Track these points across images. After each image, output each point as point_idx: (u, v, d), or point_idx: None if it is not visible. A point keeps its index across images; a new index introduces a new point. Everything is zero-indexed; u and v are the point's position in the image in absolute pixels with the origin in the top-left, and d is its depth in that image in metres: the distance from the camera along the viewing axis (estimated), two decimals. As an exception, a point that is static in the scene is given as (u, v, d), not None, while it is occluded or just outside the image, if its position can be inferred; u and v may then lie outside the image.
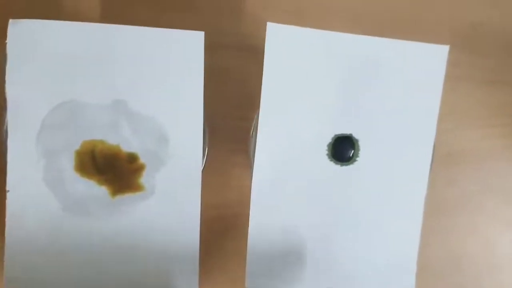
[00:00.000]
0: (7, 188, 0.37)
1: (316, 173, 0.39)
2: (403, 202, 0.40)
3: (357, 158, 0.40)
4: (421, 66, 0.39)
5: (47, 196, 0.37)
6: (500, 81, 0.50)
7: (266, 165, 0.39)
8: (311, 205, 0.40)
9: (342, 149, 0.39)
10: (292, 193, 0.39)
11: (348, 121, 0.39)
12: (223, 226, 0.45)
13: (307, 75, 0.38)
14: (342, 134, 0.39)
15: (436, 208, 0.52)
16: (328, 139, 0.39)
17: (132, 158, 0.38)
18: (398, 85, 0.39)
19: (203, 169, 0.39)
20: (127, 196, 0.38)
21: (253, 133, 0.39)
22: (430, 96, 0.39)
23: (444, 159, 0.51)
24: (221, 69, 0.44)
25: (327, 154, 0.39)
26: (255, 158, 0.38)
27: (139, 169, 0.38)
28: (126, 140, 0.38)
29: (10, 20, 0.36)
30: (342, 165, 0.40)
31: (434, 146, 0.40)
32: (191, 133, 0.38)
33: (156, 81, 0.38)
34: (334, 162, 0.39)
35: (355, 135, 0.39)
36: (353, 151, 0.40)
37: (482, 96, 0.50)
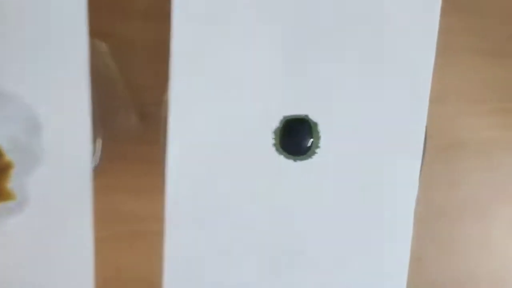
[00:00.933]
0: None
1: (259, 172, 0.28)
2: (387, 211, 0.29)
3: (317, 150, 0.28)
4: (406, 14, 0.27)
5: None
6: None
7: (184, 166, 0.27)
8: (253, 220, 0.28)
9: (296, 136, 0.28)
10: (224, 204, 0.28)
11: (302, 96, 0.28)
12: (127, 250, 0.34)
13: (234, 35, 0.27)
14: (294, 115, 0.28)
15: (435, 217, 0.43)
16: (275, 122, 0.28)
17: (-8, 154, 0.27)
18: (373, 41, 0.27)
19: (95, 169, 0.27)
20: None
21: (163, 121, 0.28)
22: (419, 58, 0.28)
23: (443, 153, 0.41)
24: (122, 40, 0.34)
25: (274, 145, 0.28)
26: (167, 156, 0.27)
27: (5, 168, 0.27)
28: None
29: None
30: (296, 159, 0.28)
31: (426, 133, 0.29)
32: (75, 120, 0.27)
33: (25, 49, 0.26)
34: (284, 155, 0.28)
35: (313, 117, 0.28)
36: (311, 139, 0.28)
37: (488, 73, 0.40)
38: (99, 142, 0.28)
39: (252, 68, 0.27)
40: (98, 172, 0.28)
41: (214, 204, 0.28)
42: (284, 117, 0.28)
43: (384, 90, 0.28)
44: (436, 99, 0.41)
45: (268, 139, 0.28)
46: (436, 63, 0.36)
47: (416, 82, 0.28)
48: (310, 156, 0.28)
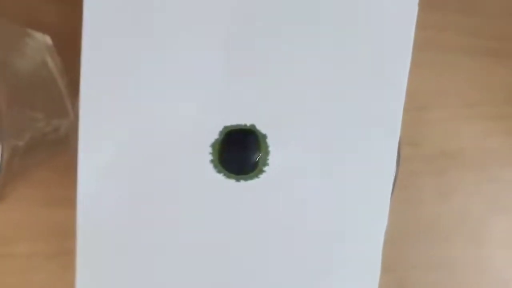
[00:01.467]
0: None
1: (192, 195, 0.23)
2: (351, 239, 0.23)
3: (265, 168, 0.23)
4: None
5: None
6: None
7: (96, 192, 0.22)
8: (184, 256, 0.23)
9: (239, 151, 0.23)
10: (147, 237, 0.22)
11: (247, 102, 0.22)
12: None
13: (160, 24, 0.21)
14: (237, 126, 0.22)
15: (422, 235, 0.35)
16: (213, 134, 0.22)
17: None
18: (335, 30, 0.22)
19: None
20: None
21: (71, 131, 0.22)
22: (393, 54, 0.22)
23: (432, 164, 0.36)
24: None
25: (212, 161, 0.23)
26: (78, 174, 0.22)
27: None
28: None
29: None
30: (238, 178, 0.23)
31: (399, 140, 0.24)
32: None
33: None
34: (224, 174, 0.23)
35: (261, 127, 0.23)
36: (258, 154, 0.23)
37: (480, 74, 0.35)
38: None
39: (184, 69, 0.22)
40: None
41: (134, 238, 0.22)
42: (225, 128, 0.22)
43: (350, 93, 0.22)
44: (424, 103, 0.36)
45: (205, 154, 0.23)
46: (422, 63, 0.30)
47: (389, 83, 0.23)
48: (256, 175, 0.23)
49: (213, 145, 0.22)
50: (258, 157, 0.23)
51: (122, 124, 0.22)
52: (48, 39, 0.35)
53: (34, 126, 0.30)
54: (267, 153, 0.23)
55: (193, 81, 0.22)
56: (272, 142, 0.23)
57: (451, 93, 0.37)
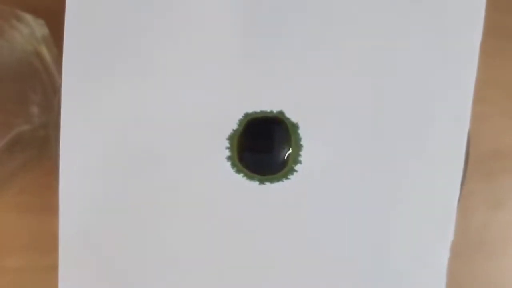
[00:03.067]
0: None
1: (204, 200, 0.18)
2: (407, 255, 0.18)
3: (297, 166, 0.18)
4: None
5: None
6: None
7: (82, 191, 0.17)
8: (195, 276, 0.18)
9: (263, 145, 0.18)
10: (152, 255, 0.18)
11: (273, 83, 0.18)
12: None
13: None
14: (260, 113, 0.18)
15: (472, 247, 0.29)
16: (231, 123, 0.18)
17: None
18: (394, 7, 0.17)
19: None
20: None
21: (53, 132, 0.18)
22: (460, 50, 0.18)
23: (482, 166, 0.32)
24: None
25: (230, 158, 0.18)
26: (60, 178, 0.17)
27: None
28: None
29: None
30: (263, 180, 0.18)
31: (468, 142, 0.19)
32: None
33: None
34: (245, 174, 0.18)
35: (291, 115, 0.18)
36: (288, 149, 0.18)
37: None
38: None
39: (192, 33, 0.17)
40: None
41: (129, 251, 0.18)
42: (246, 115, 0.18)
43: (404, 77, 0.18)
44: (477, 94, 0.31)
45: (220, 150, 0.18)
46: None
47: (452, 75, 0.18)
48: (285, 176, 0.18)
49: (231, 138, 0.18)
50: (287, 152, 0.18)
51: (113, 117, 0.17)
52: (42, 24, 0.31)
53: (19, 123, 0.25)
54: (299, 147, 0.18)
55: (200, 56, 0.17)
56: (305, 134, 0.18)
57: (503, 85, 0.32)
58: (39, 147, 0.26)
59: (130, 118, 0.17)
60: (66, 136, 0.17)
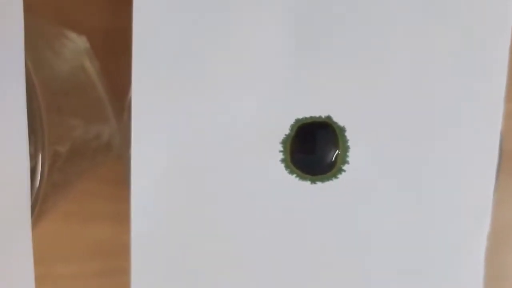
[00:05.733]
0: None
1: (262, 199, 0.19)
2: (446, 252, 0.20)
3: (345, 166, 0.20)
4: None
5: None
6: None
7: (152, 198, 0.19)
8: (255, 269, 0.20)
9: (313, 148, 0.19)
10: (212, 250, 0.19)
11: (322, 90, 0.19)
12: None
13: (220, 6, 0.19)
14: (310, 118, 0.19)
15: (503, 248, 0.32)
16: (283, 129, 0.19)
17: None
18: (428, 17, 0.19)
19: (35, 205, 0.20)
20: None
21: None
22: (490, 48, 0.19)
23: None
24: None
25: (284, 160, 0.19)
26: (131, 185, 0.19)
27: None
28: None
29: None
30: (314, 180, 0.20)
31: (501, 142, 0.20)
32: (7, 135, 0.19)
33: None
34: (298, 175, 0.19)
35: (338, 119, 0.19)
36: (336, 151, 0.19)
37: None
38: (42, 169, 0.20)
39: (249, 49, 0.19)
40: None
41: (197, 253, 0.19)
42: (297, 121, 0.19)
43: (443, 77, 0.19)
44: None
45: (275, 153, 0.19)
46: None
47: (483, 77, 0.19)
48: (334, 175, 0.20)
49: (284, 142, 0.19)
50: (335, 154, 0.19)
51: (177, 127, 0.19)
52: (85, 41, 0.33)
53: (74, 134, 0.27)
54: (346, 149, 0.19)
55: (256, 68, 0.19)
56: (351, 136, 0.19)
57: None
58: (92, 157, 0.27)
59: (194, 130, 0.19)
60: (136, 144, 0.18)
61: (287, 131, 0.19)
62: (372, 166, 0.19)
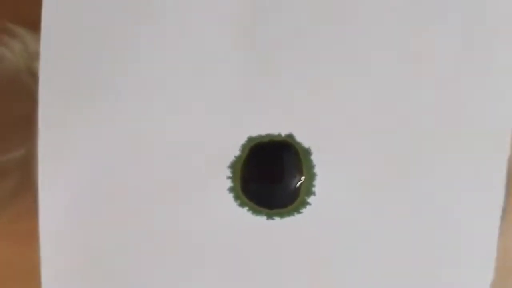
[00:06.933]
0: None
1: (202, 240, 0.15)
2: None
3: (310, 198, 0.15)
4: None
5: None
6: None
7: (64, 237, 0.15)
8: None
9: (271, 174, 0.15)
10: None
11: (279, 102, 0.15)
12: None
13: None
14: (267, 136, 0.15)
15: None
16: (232, 149, 0.15)
17: None
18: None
19: None
20: None
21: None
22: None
23: None
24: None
25: (232, 188, 0.15)
26: (39, 214, 0.15)
27: None
28: None
29: None
30: (271, 215, 0.15)
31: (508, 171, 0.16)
32: None
33: None
34: (250, 208, 0.15)
35: (302, 138, 0.15)
36: (299, 178, 0.15)
37: None
38: None
39: (189, 60, 0.15)
40: None
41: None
42: (250, 139, 0.15)
43: (428, 94, 0.15)
44: None
45: (221, 180, 0.15)
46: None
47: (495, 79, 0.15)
48: (297, 210, 0.15)
49: (233, 166, 0.15)
50: (299, 182, 0.15)
51: (95, 148, 0.15)
52: (37, 40, 0.29)
53: (14, 146, 0.23)
54: (311, 176, 0.15)
55: (198, 78, 0.15)
56: (319, 160, 0.15)
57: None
58: (28, 174, 0.23)
59: (117, 144, 0.15)
60: (45, 167, 0.15)
61: (236, 152, 0.15)
62: (344, 199, 0.15)
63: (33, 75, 0.28)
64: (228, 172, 0.15)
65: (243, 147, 0.15)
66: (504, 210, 0.17)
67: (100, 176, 0.15)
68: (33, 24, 0.29)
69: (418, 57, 0.15)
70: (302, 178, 0.15)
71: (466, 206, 0.16)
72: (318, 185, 0.15)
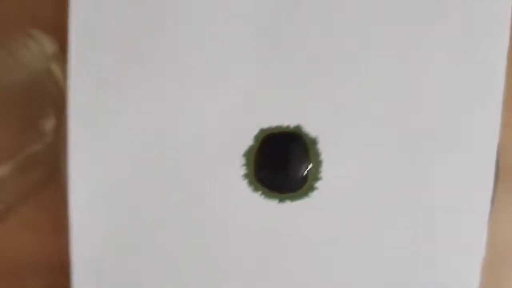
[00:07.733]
0: None
1: (220, 222, 0.17)
2: (441, 273, 0.17)
3: (317, 183, 0.17)
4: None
5: None
6: None
7: (92, 215, 0.17)
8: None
9: (281, 161, 0.17)
10: (159, 274, 0.17)
11: (288, 95, 0.17)
12: None
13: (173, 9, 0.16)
14: (277, 127, 0.17)
15: (499, 263, 0.27)
16: (246, 139, 0.17)
17: None
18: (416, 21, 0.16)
19: None
20: None
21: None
22: (488, 60, 0.17)
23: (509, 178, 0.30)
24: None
25: (246, 175, 0.17)
26: (69, 202, 0.16)
27: None
28: None
29: None
30: (283, 198, 0.17)
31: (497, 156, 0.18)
32: None
33: None
34: (263, 192, 0.17)
35: (309, 129, 0.17)
36: (307, 165, 0.17)
37: None
38: None
39: (206, 56, 0.16)
40: None
41: (142, 277, 0.17)
42: (262, 131, 0.17)
43: (426, 84, 0.17)
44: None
45: (236, 167, 0.17)
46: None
47: (479, 83, 0.17)
48: (305, 194, 0.17)
49: (247, 154, 0.17)
50: (307, 169, 0.17)
51: (122, 139, 0.17)
52: (52, 41, 0.30)
53: (31, 142, 0.25)
54: (318, 163, 0.17)
55: (213, 73, 0.17)
56: (325, 149, 0.17)
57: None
58: (53, 166, 0.25)
59: (140, 136, 0.16)
60: (74, 157, 0.16)
61: (250, 142, 0.17)
62: (349, 183, 0.17)
63: (50, 74, 0.30)
64: (243, 160, 0.17)
65: (256, 137, 0.17)
66: (494, 196, 0.19)
67: (126, 165, 0.17)
68: (50, 27, 0.30)
69: (422, 50, 0.16)
70: (310, 165, 0.17)
71: (459, 191, 0.17)
72: (324, 171, 0.17)
